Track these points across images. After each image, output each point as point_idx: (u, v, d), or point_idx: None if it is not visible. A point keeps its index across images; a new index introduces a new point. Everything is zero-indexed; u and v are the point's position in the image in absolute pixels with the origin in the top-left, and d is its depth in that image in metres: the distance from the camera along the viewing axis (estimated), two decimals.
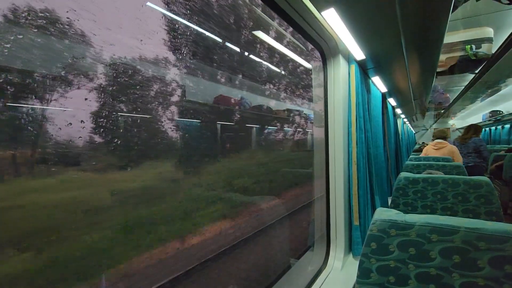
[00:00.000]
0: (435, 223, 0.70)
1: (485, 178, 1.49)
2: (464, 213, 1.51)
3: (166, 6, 1.77)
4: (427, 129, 14.22)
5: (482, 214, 1.47)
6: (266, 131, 4.74)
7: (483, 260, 0.64)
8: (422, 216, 0.74)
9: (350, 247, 1.80)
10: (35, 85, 1.30)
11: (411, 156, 3.63)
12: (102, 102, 1.57)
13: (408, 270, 0.72)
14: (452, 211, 1.54)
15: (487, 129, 10.15)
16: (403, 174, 1.68)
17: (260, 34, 1.91)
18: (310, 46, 1.63)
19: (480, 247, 0.65)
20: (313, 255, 1.84)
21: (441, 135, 3.82)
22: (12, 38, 1.08)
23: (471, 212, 1.49)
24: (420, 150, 6.13)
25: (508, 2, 1.82)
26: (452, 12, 1.43)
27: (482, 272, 0.65)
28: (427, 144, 6.69)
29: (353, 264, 1.70)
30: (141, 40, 1.63)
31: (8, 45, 1.06)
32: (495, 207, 1.45)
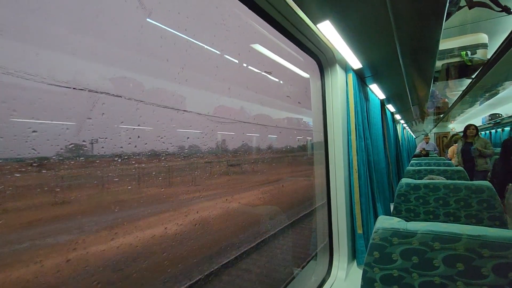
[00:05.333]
0: (437, 231, 0.70)
1: (486, 183, 1.48)
2: (467, 219, 1.49)
3: None
4: (427, 134, 14.23)
5: (485, 219, 1.46)
6: None
7: (487, 267, 0.64)
8: (424, 224, 0.73)
9: (354, 256, 1.78)
10: None
11: (412, 162, 3.63)
12: None
13: (412, 279, 0.72)
14: (454, 216, 1.53)
15: (487, 132, 10.15)
16: (404, 180, 1.67)
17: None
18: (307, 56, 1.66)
19: (484, 255, 0.64)
20: (316, 265, 1.83)
21: (458, 138, 5.38)
22: None
23: (474, 217, 1.48)
24: (420, 155, 6.13)
25: (500, 9, 1.86)
26: (446, 19, 1.45)
27: (486, 280, 0.64)
28: (424, 150, 6.80)
29: (356, 273, 1.68)
30: None
31: None
32: (498, 211, 1.44)
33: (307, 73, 1.90)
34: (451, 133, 12.41)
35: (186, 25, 1.69)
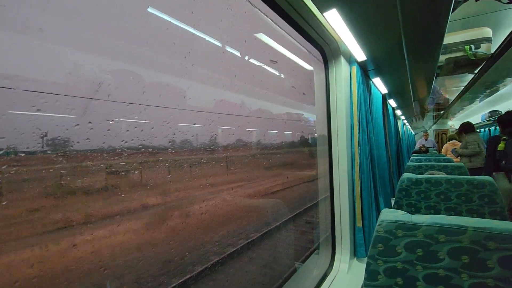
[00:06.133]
0: (443, 223, 0.69)
1: (488, 178, 1.48)
2: (468, 213, 1.49)
3: None
4: (427, 130, 14.25)
5: (486, 214, 1.46)
6: None
7: (492, 260, 0.63)
8: (429, 216, 0.73)
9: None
10: None
11: (412, 157, 3.63)
12: None
13: (416, 272, 0.71)
14: (456, 211, 1.53)
15: (487, 129, 10.17)
16: (406, 175, 1.67)
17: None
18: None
19: (489, 247, 0.63)
20: (318, 258, 1.83)
21: (454, 136, 5.64)
22: None
23: (475, 212, 1.48)
24: (420, 151, 6.16)
25: (508, 1, 1.82)
26: (452, 12, 1.43)
27: (491, 272, 0.63)
28: (423, 146, 6.86)
29: (359, 266, 1.69)
30: None
31: None
32: (499, 206, 1.44)
33: (311, 66, 1.87)
34: (450, 130, 12.44)
35: (189, 16, 1.66)
